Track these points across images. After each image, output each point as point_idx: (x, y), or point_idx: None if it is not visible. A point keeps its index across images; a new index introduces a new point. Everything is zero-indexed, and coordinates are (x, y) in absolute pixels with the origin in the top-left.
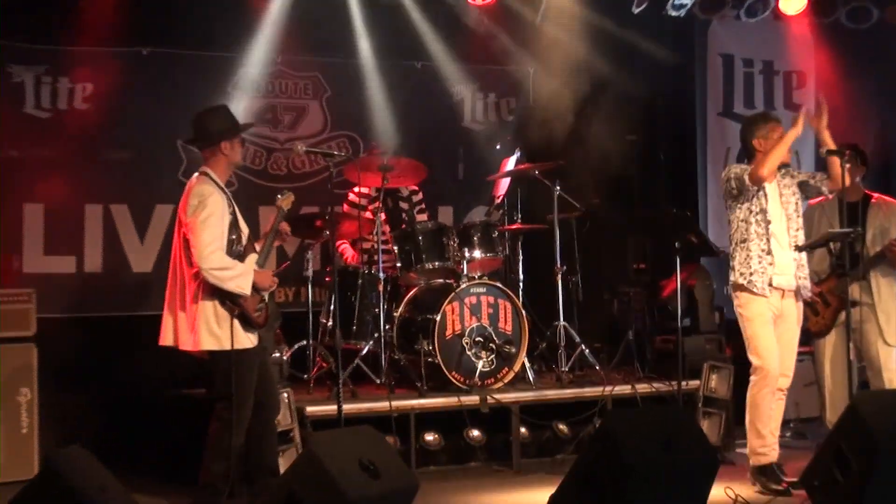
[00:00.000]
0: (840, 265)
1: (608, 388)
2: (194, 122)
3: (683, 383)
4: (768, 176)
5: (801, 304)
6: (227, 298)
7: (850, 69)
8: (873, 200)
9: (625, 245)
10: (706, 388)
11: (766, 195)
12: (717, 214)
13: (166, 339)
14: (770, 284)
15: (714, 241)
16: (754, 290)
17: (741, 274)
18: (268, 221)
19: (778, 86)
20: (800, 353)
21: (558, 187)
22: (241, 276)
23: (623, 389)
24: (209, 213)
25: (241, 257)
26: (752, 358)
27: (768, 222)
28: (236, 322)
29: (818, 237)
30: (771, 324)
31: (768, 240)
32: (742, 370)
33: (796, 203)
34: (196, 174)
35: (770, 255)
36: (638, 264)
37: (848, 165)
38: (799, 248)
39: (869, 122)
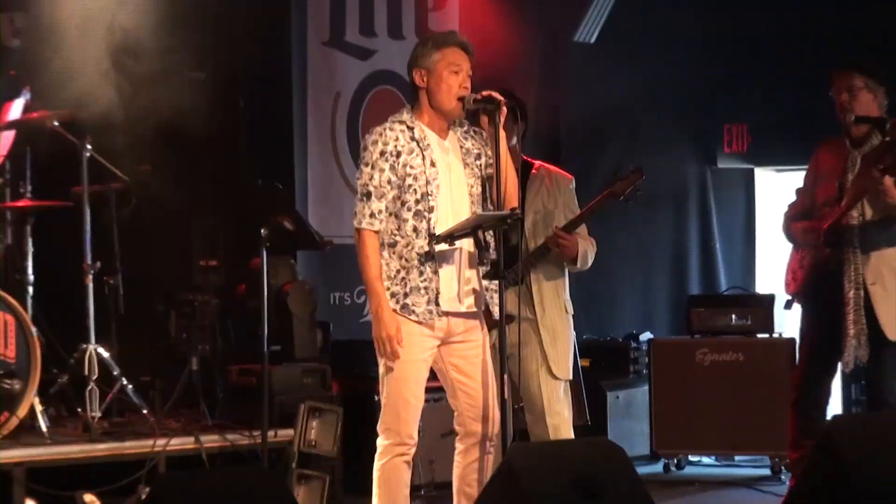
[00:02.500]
0: (493, 263)
1: (160, 442)
2: None
3: (271, 433)
4: None
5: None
6: None
7: None
8: (534, 171)
9: (189, 233)
10: (303, 440)
11: None
12: (324, 188)
13: None
14: None
15: (318, 227)
16: None
17: None
18: None
19: (408, 6)
20: (433, 390)
21: (89, 146)
22: None
23: (183, 443)
24: None
25: None
26: (383, 416)
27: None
28: None
29: (461, 222)
30: None
31: None
32: (354, 413)
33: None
34: None
35: None
36: (207, 261)
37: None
38: (434, 240)
39: (535, 60)
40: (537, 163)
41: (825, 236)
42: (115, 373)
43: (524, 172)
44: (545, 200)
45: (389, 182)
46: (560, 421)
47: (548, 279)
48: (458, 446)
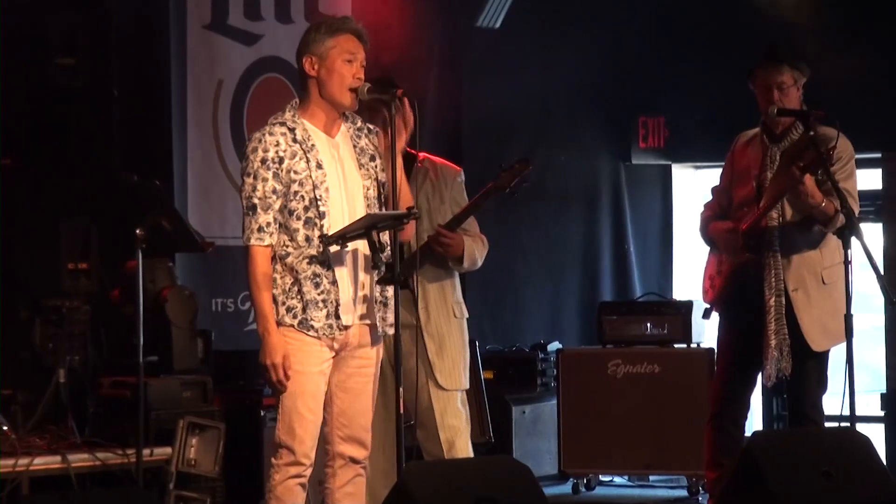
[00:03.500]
0: (387, 266)
1: (22, 462)
2: None
3: (146, 452)
4: None
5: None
6: None
7: None
8: (418, 164)
9: (57, 232)
10: (182, 459)
11: None
12: (205, 185)
13: None
14: None
15: (199, 227)
16: None
17: None
18: None
19: None
20: None
21: None
22: None
23: (48, 462)
24: None
25: None
26: (277, 432)
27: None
28: None
29: (353, 223)
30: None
31: None
32: (238, 430)
33: None
34: None
35: None
36: (77, 263)
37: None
38: (324, 241)
39: (433, 47)
40: (422, 155)
41: (743, 239)
42: None
43: (407, 165)
44: (430, 196)
45: (275, 192)
46: (454, 435)
47: (432, 281)
48: (326, 471)
